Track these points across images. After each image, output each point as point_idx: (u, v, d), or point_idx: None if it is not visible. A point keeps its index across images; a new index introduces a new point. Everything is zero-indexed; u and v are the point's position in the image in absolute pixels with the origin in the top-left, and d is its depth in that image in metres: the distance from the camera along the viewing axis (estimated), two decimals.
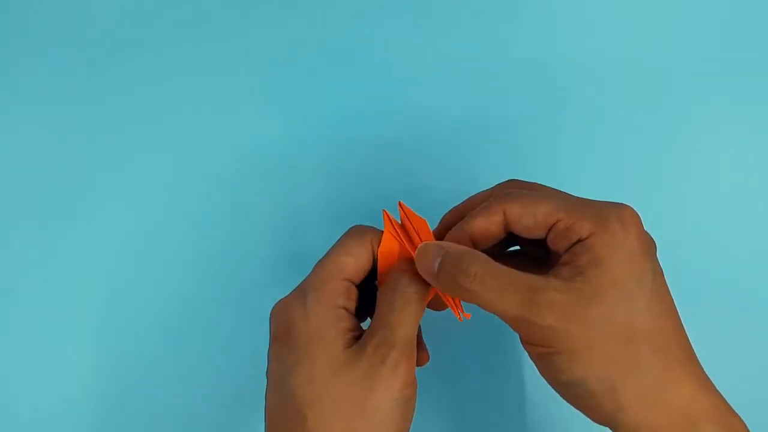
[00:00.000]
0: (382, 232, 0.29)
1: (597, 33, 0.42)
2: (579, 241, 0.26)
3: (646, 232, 0.27)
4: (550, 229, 0.27)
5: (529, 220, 0.27)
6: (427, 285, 0.28)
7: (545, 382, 0.27)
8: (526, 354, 0.28)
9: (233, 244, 0.40)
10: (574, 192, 0.29)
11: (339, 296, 0.28)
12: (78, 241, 0.41)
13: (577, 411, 0.27)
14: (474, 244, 0.29)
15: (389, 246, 0.29)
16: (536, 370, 0.27)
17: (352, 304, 0.28)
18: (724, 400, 0.26)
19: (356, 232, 0.29)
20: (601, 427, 0.26)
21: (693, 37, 0.41)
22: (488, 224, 0.28)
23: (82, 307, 0.40)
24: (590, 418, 0.26)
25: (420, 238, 0.29)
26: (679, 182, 0.40)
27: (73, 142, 0.41)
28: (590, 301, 0.25)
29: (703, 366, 0.27)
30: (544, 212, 0.27)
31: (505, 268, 0.26)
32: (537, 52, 0.42)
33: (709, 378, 0.26)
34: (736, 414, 0.26)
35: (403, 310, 0.27)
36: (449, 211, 0.32)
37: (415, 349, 0.28)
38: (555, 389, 0.27)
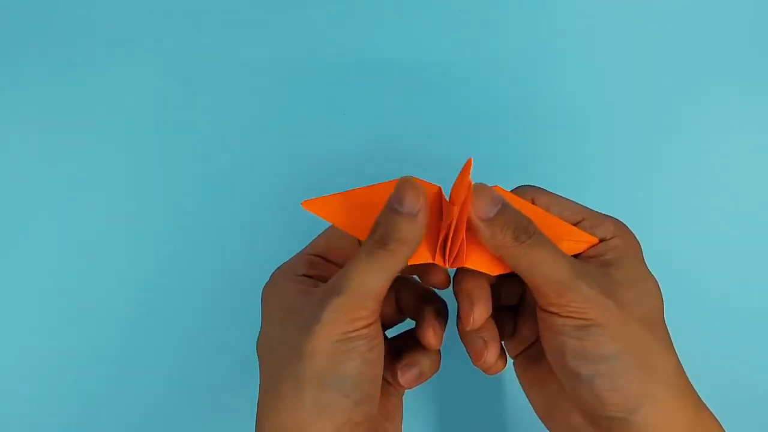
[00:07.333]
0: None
1: (597, 33, 0.42)
2: (602, 240, 0.28)
3: None
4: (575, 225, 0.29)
5: (556, 210, 0.29)
6: (414, 244, 0.26)
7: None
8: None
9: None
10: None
11: (298, 267, 0.30)
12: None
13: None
14: None
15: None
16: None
17: (315, 272, 0.30)
18: None
19: None
20: None
21: (690, 41, 0.42)
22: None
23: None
24: (602, 406, 0.26)
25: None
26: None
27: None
28: (622, 285, 0.27)
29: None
30: (573, 209, 0.29)
31: None
32: (535, 51, 0.42)
33: None
34: None
35: (365, 263, 0.26)
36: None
37: (372, 306, 0.26)
38: (570, 374, 0.26)
